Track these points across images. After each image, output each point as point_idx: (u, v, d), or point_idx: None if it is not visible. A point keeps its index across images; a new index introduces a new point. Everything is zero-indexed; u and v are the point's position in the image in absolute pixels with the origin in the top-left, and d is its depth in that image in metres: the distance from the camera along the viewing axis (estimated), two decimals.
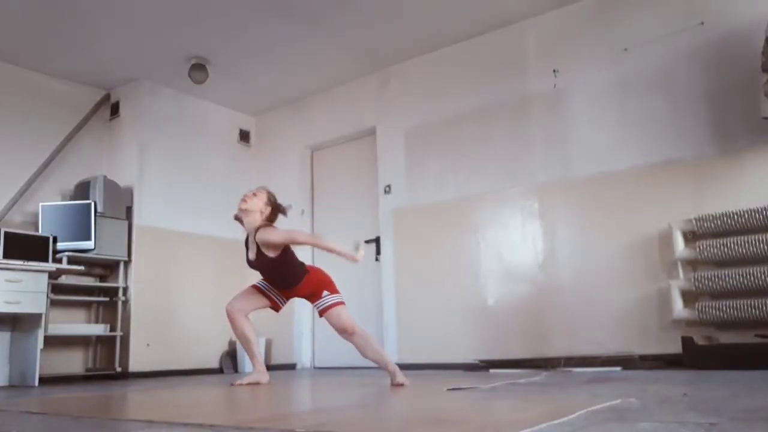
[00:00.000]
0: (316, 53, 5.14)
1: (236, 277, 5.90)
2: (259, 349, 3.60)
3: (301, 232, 3.30)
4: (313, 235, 3.30)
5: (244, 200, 3.26)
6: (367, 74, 5.56)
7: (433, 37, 4.97)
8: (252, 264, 3.29)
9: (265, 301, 3.40)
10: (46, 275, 4.32)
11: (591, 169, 4.29)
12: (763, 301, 3.39)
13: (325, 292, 3.24)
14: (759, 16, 3.67)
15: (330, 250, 3.00)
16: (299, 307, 5.32)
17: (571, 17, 4.53)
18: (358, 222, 5.53)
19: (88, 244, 4.83)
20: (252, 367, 3.52)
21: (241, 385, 3.33)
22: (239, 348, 5.59)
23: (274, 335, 5.69)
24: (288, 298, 3.45)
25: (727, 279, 3.52)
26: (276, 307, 3.45)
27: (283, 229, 3.24)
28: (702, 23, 3.97)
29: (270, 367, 3.73)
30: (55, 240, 4.68)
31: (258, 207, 3.24)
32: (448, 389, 2.59)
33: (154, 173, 5.45)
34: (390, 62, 5.37)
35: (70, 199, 5.16)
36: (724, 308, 3.50)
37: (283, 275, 3.29)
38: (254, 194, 3.29)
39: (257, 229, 3.19)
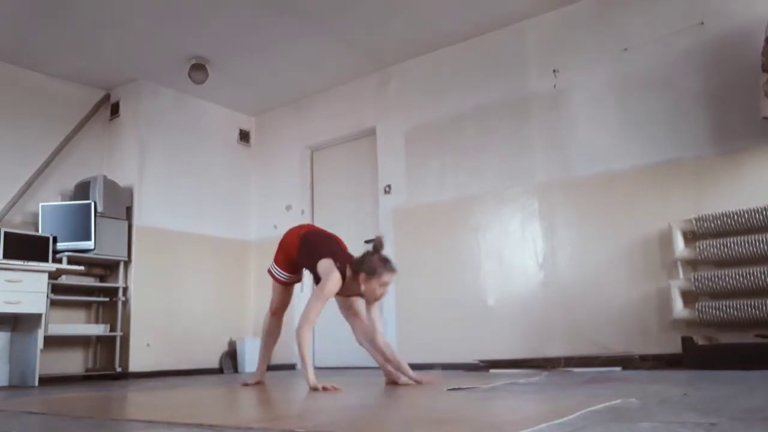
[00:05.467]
0: (316, 53, 5.14)
1: (236, 277, 5.94)
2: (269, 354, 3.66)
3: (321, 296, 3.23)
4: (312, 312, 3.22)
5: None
6: (367, 74, 5.56)
7: (433, 37, 4.97)
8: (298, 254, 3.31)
9: (290, 289, 3.58)
10: (46, 275, 4.32)
11: (591, 169, 4.29)
12: (763, 301, 3.39)
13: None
14: (759, 16, 3.67)
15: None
16: (299, 307, 5.31)
17: (571, 17, 4.53)
18: (358, 222, 5.53)
19: (88, 244, 4.83)
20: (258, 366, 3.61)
21: (251, 384, 3.39)
22: (239, 348, 5.59)
23: None
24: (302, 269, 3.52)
25: (727, 279, 3.52)
26: (296, 282, 3.58)
27: (327, 282, 3.05)
28: (702, 23, 3.97)
29: (269, 368, 3.75)
30: (55, 240, 4.68)
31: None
32: (448, 389, 2.59)
33: (154, 173, 5.45)
34: (390, 62, 5.37)
35: (70, 199, 5.16)
36: (724, 308, 3.50)
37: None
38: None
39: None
